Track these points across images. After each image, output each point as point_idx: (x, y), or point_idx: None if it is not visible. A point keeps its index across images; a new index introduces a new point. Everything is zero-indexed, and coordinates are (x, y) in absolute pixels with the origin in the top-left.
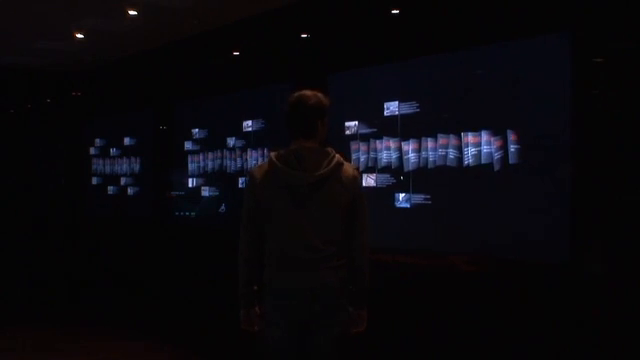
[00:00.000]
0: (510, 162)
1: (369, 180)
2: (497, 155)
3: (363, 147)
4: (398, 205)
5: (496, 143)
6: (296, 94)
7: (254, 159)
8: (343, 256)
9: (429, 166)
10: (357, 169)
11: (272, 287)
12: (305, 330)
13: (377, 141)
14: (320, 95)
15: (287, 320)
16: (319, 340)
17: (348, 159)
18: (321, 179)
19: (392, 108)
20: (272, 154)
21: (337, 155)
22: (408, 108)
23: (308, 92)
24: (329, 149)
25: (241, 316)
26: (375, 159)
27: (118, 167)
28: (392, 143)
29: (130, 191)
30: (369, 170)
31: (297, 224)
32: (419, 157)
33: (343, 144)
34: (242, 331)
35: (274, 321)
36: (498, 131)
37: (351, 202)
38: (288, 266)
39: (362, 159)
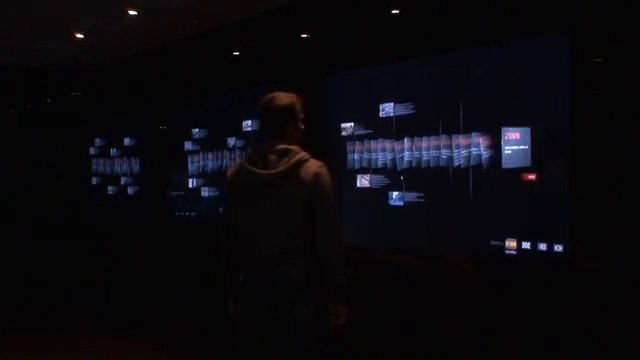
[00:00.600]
0: (510, 162)
1: (364, 181)
2: (497, 155)
3: (362, 147)
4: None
5: (497, 143)
6: (268, 95)
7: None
8: (310, 250)
9: (422, 166)
10: (323, 167)
11: (244, 280)
12: (276, 321)
13: (373, 141)
14: (293, 96)
15: (258, 311)
16: (290, 331)
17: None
18: (279, 176)
19: (387, 109)
20: (245, 154)
21: (302, 153)
22: (404, 109)
23: (281, 93)
24: (293, 147)
25: (230, 309)
26: (375, 159)
27: (118, 167)
28: (387, 144)
29: (130, 191)
30: (363, 170)
31: (259, 220)
32: (420, 157)
33: (346, 143)
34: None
35: (245, 312)
36: (498, 131)
37: (311, 198)
38: (254, 260)
39: (366, 158)
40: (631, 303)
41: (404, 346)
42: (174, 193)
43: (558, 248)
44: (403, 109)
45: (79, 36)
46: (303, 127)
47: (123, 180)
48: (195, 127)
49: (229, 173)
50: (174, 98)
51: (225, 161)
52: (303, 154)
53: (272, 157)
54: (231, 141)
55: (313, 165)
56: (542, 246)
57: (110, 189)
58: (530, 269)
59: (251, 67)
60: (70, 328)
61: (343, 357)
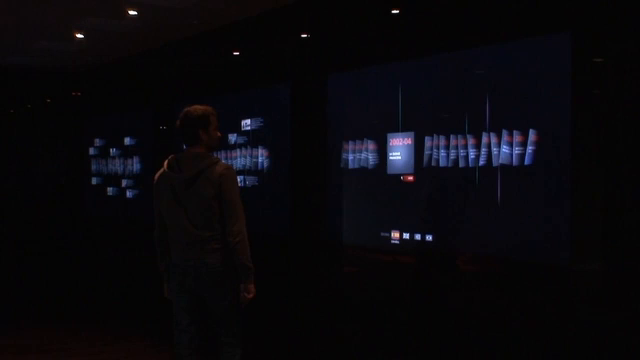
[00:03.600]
0: (511, 163)
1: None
2: (497, 155)
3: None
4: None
5: (495, 143)
6: (185, 109)
7: (254, 158)
8: (224, 240)
9: (424, 165)
10: (229, 169)
11: (173, 264)
12: (200, 300)
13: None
14: (207, 108)
15: (183, 292)
16: (211, 308)
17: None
18: (191, 178)
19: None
20: (166, 160)
21: (211, 158)
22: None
23: (197, 106)
24: (204, 153)
25: (164, 289)
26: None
27: (118, 167)
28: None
29: (129, 191)
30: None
31: (178, 214)
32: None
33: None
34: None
35: (173, 292)
36: (498, 131)
37: (218, 195)
38: (176, 248)
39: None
40: (631, 303)
41: (409, 346)
42: None
43: (558, 249)
44: (407, 108)
45: (79, 36)
46: (219, 134)
47: (123, 180)
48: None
49: (156, 176)
50: (174, 98)
51: (224, 161)
52: (212, 158)
53: (187, 162)
54: (232, 137)
55: (220, 168)
56: (542, 246)
57: (110, 189)
58: (530, 269)
59: (251, 67)
60: (70, 328)
61: (242, 322)
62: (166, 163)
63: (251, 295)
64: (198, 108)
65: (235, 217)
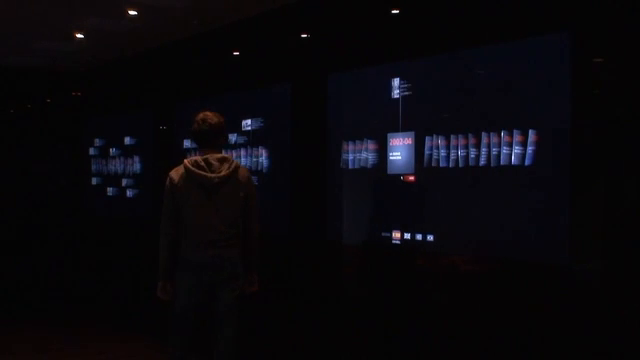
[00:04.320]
0: (511, 163)
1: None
2: (496, 155)
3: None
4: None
5: (495, 143)
6: (201, 114)
7: (253, 158)
8: (241, 237)
9: (425, 165)
10: (249, 172)
11: (190, 261)
12: (212, 293)
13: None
14: (222, 116)
15: (200, 286)
16: (224, 298)
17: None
18: (224, 178)
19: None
20: (186, 161)
21: (235, 161)
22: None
23: (211, 112)
24: (229, 156)
25: (160, 287)
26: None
27: (118, 167)
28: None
29: (129, 191)
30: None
31: (207, 213)
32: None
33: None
34: (159, 300)
35: (185, 289)
36: (498, 131)
37: (246, 196)
38: (201, 245)
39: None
40: (630, 303)
41: (409, 346)
42: None
43: (557, 249)
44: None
45: (79, 36)
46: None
47: (123, 180)
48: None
49: (175, 175)
50: (174, 98)
51: None
52: (236, 161)
53: (217, 163)
54: (232, 137)
55: (244, 171)
56: (541, 246)
57: (110, 189)
58: (530, 269)
59: (251, 67)
60: (70, 328)
61: (244, 310)
62: (191, 163)
63: (255, 288)
64: (215, 115)
65: (255, 217)
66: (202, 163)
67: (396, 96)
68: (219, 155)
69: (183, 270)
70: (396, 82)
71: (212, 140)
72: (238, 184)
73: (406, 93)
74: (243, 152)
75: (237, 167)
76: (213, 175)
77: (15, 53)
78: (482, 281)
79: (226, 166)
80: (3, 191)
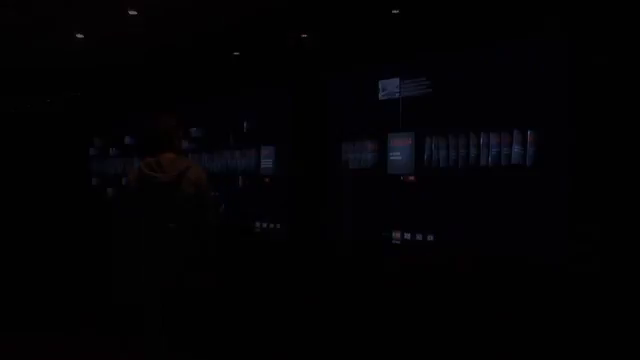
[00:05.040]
0: (511, 162)
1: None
2: (497, 155)
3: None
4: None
5: (496, 143)
6: (156, 116)
7: (253, 158)
8: (194, 233)
9: (425, 165)
10: (203, 170)
11: (145, 259)
12: (170, 287)
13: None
14: (176, 117)
15: (158, 284)
16: (179, 293)
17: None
18: (175, 178)
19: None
20: (141, 163)
21: (188, 161)
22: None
23: (165, 113)
24: (183, 157)
25: (124, 289)
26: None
27: (118, 167)
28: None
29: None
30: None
31: (160, 211)
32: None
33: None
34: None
35: (148, 284)
36: (498, 131)
37: (197, 194)
38: (156, 243)
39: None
40: (629, 303)
41: (409, 346)
42: None
43: (557, 248)
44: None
45: (79, 36)
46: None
47: (124, 181)
48: (194, 127)
49: (131, 176)
50: (175, 98)
51: (224, 161)
52: (189, 161)
53: (168, 164)
54: (232, 137)
55: (197, 169)
56: (541, 246)
57: (110, 189)
58: (529, 269)
59: (251, 68)
60: (70, 329)
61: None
62: (145, 165)
63: (212, 284)
64: (169, 116)
65: (209, 213)
66: (154, 164)
67: (396, 96)
68: (172, 156)
69: (145, 266)
70: (396, 82)
71: (168, 141)
72: (190, 182)
73: (406, 93)
74: (244, 152)
75: (189, 167)
76: (164, 175)
77: (15, 53)
78: (482, 281)
79: (177, 166)
80: (3, 191)
